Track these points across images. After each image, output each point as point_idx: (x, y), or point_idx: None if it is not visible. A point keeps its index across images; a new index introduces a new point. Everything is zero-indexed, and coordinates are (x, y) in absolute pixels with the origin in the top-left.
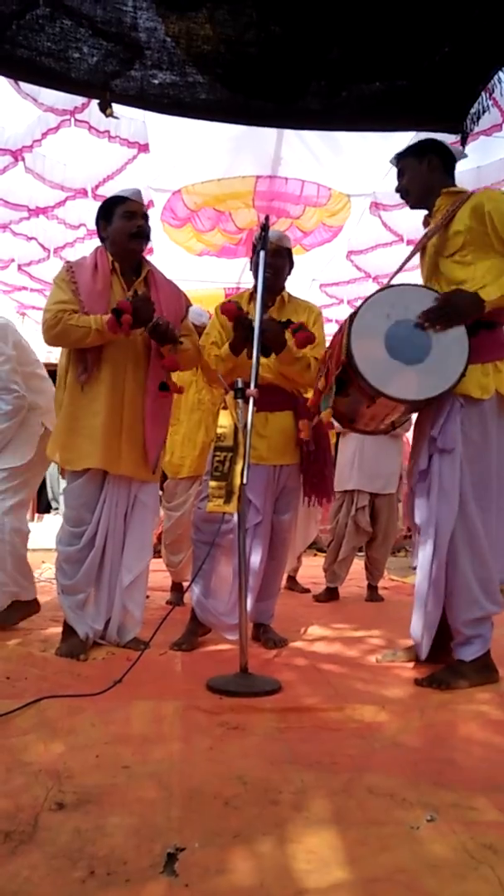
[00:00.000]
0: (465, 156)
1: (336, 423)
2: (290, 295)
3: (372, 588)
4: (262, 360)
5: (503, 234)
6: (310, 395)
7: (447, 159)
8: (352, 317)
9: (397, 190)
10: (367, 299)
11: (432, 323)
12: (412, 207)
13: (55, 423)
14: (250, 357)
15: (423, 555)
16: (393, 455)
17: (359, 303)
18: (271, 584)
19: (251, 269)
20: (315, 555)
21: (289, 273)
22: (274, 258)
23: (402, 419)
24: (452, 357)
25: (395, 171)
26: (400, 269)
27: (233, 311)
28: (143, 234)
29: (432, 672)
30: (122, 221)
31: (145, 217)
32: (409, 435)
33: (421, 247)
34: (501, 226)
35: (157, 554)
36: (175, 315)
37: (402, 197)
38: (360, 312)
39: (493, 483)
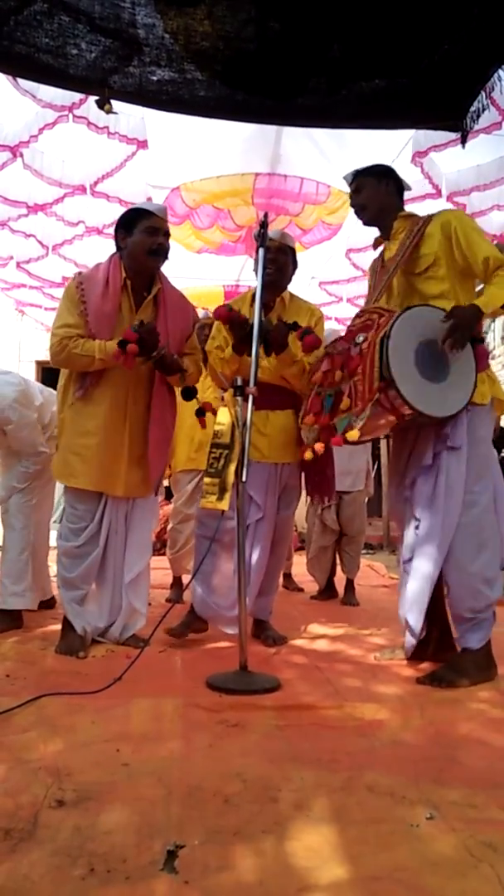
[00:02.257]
0: (410, 188)
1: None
2: (291, 295)
3: (349, 587)
4: (262, 360)
5: (466, 250)
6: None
7: (400, 186)
8: (382, 339)
9: (353, 204)
10: (393, 322)
11: (453, 347)
12: (366, 223)
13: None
14: (250, 355)
15: (427, 547)
16: (360, 453)
17: (360, 301)
18: (271, 580)
19: (255, 270)
20: None
21: (293, 272)
22: (277, 254)
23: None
24: (466, 372)
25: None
26: (380, 292)
27: (224, 313)
28: (163, 252)
29: (434, 670)
30: (143, 236)
31: (167, 235)
32: None
33: (391, 267)
34: (465, 242)
35: (157, 552)
36: (182, 334)
37: (358, 212)
38: (392, 335)
39: (489, 478)
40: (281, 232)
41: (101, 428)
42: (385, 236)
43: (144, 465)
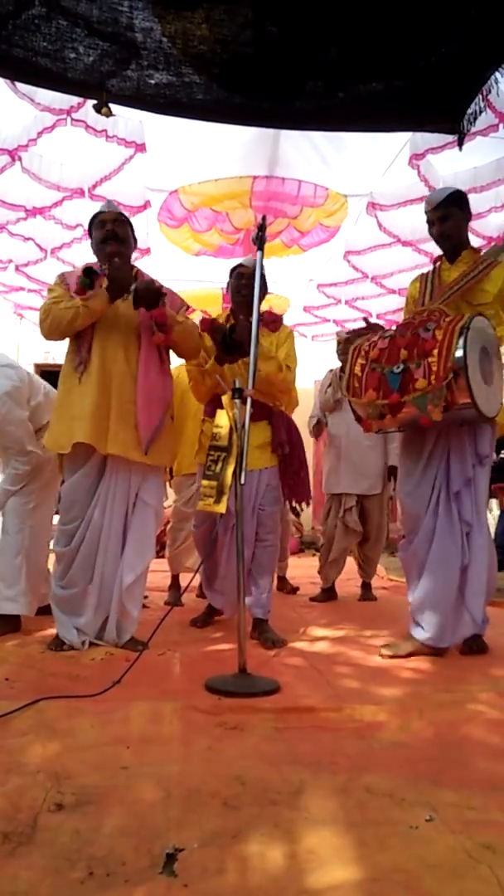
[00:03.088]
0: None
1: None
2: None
3: (366, 586)
4: (241, 374)
5: None
6: (285, 406)
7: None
8: (462, 329)
9: (437, 231)
10: (471, 318)
11: None
12: (447, 252)
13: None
14: (229, 362)
15: (482, 549)
16: (376, 457)
17: (358, 303)
18: (263, 574)
19: (226, 290)
20: (313, 554)
21: (262, 298)
22: (249, 280)
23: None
24: (498, 385)
25: (392, 170)
26: (443, 303)
27: (206, 321)
28: (111, 237)
29: (467, 643)
30: (96, 231)
31: (116, 222)
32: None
33: (452, 289)
34: None
35: (157, 554)
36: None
37: (442, 240)
38: (471, 328)
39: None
40: (252, 259)
41: (92, 390)
42: (449, 260)
43: (133, 424)
